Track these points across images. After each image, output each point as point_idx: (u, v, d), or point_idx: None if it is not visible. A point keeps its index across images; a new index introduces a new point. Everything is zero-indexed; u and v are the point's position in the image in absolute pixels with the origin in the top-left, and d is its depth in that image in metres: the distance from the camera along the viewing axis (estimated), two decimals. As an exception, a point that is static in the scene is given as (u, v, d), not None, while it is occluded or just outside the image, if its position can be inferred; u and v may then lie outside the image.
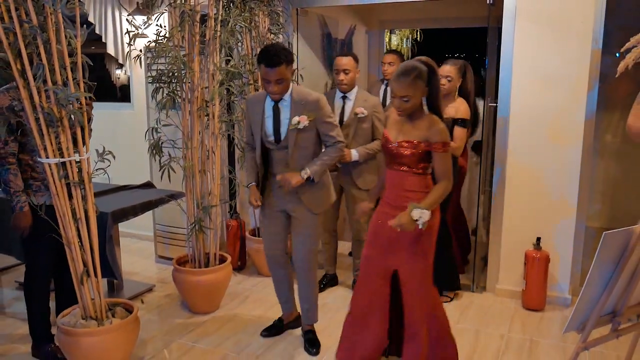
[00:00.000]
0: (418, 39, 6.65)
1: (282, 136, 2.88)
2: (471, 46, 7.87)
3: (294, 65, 2.88)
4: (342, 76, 3.59)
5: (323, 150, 2.97)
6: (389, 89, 4.30)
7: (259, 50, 3.95)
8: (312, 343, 3.13)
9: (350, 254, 4.42)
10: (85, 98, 2.51)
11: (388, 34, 6.27)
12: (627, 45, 2.33)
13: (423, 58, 2.51)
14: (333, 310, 3.64)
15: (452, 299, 3.78)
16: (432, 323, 2.64)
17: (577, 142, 3.55)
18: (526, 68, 3.60)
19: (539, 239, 3.61)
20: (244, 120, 3.09)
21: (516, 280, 3.80)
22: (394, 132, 2.56)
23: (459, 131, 3.56)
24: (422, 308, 2.60)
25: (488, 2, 3.64)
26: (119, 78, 5.29)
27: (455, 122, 3.56)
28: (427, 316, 2.62)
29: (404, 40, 6.55)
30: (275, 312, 3.55)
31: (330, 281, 4.05)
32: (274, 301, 3.76)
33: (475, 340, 3.24)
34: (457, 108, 3.58)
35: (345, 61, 3.58)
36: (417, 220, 2.37)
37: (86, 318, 2.68)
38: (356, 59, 3.64)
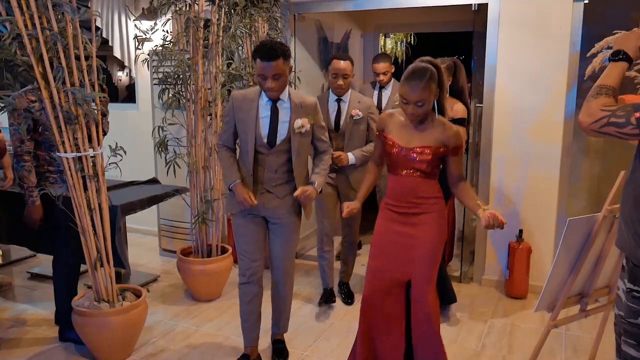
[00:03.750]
0: (412, 42, 6.89)
1: (279, 140, 2.68)
2: (463, 49, 8.09)
3: (291, 63, 2.73)
4: (340, 81, 3.48)
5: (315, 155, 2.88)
6: (384, 93, 4.45)
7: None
8: (280, 353, 3.03)
9: (337, 257, 4.16)
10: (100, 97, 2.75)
11: (383, 37, 6.51)
12: (593, 50, 2.57)
13: (427, 58, 2.41)
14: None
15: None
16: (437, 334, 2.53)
17: (557, 140, 3.78)
18: (509, 70, 3.83)
19: (521, 231, 3.84)
20: (224, 117, 2.84)
21: (501, 271, 4.03)
22: (403, 136, 2.44)
23: (462, 131, 3.41)
24: (433, 315, 2.48)
25: (473, 8, 3.89)
26: (120, 80, 5.51)
27: (454, 122, 3.30)
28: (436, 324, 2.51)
29: (399, 43, 6.79)
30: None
31: (330, 297, 3.79)
32: (271, 291, 3.99)
33: (460, 325, 3.47)
34: (453, 108, 3.41)
35: (344, 65, 3.47)
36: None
37: (99, 301, 2.91)
38: (352, 62, 3.57)
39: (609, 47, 2.48)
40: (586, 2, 3.64)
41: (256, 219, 2.82)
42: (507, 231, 3.92)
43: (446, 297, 3.54)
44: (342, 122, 3.59)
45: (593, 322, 3.14)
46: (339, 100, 3.59)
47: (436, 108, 2.45)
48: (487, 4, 3.81)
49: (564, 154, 3.80)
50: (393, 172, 2.49)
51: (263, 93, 2.67)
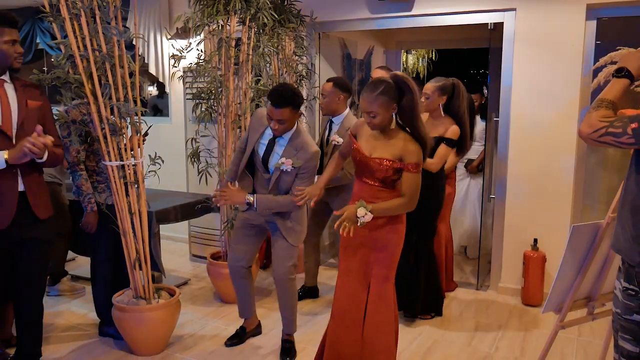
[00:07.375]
0: (433, 58, 7.08)
1: (270, 168, 2.96)
2: (481, 64, 8.24)
3: (301, 109, 3.00)
4: (321, 100, 3.73)
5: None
6: None
7: (285, 70, 4.45)
8: (287, 352, 3.19)
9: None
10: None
11: (405, 53, 6.71)
12: (597, 64, 2.72)
13: (399, 74, 2.49)
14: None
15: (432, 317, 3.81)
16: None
17: (570, 152, 3.91)
18: (524, 86, 3.99)
19: (535, 240, 3.98)
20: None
21: (516, 279, 4.16)
22: (368, 145, 2.58)
23: (443, 149, 3.49)
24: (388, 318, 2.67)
25: (489, 27, 4.08)
26: (150, 94, 5.82)
27: (442, 140, 3.51)
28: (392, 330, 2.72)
29: (420, 59, 6.99)
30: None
31: (307, 293, 4.11)
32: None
33: (475, 329, 3.62)
34: (447, 128, 3.54)
35: (325, 86, 3.71)
36: (358, 217, 2.41)
37: (137, 298, 3.16)
38: (339, 86, 3.68)
39: (613, 62, 2.64)
40: (604, 18, 3.78)
41: (253, 226, 3.16)
42: (522, 240, 4.08)
43: (434, 307, 3.78)
44: (328, 142, 3.74)
45: (605, 327, 3.26)
46: (330, 122, 3.81)
47: (395, 121, 2.57)
48: (502, 22, 4.00)
49: (578, 166, 3.93)
50: (358, 177, 2.66)
51: None
